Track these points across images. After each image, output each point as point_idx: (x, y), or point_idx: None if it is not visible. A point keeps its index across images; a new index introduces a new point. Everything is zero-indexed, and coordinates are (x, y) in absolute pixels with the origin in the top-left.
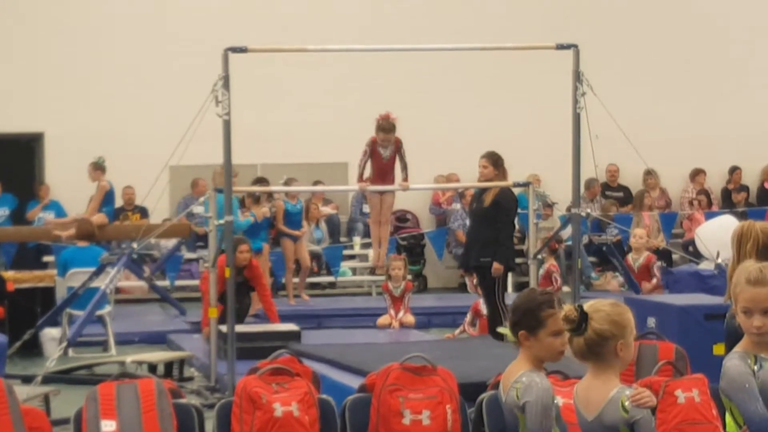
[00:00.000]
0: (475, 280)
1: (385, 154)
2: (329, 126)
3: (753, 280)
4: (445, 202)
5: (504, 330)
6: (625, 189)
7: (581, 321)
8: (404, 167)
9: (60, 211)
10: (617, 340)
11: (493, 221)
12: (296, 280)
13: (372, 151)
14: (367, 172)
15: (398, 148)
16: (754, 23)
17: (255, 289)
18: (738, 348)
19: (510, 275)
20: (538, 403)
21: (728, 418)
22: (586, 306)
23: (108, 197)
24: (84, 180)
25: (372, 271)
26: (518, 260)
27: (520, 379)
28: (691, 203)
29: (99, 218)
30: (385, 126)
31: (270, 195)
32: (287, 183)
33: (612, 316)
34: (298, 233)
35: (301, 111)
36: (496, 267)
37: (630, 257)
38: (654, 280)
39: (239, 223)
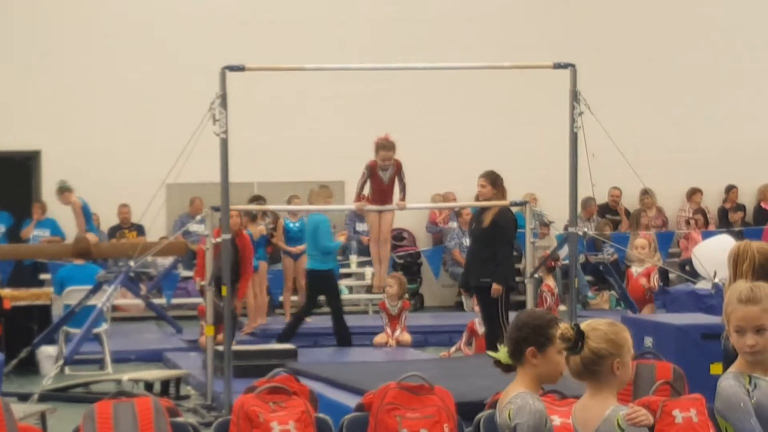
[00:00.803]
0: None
1: (385, 177)
2: (326, 145)
3: (744, 299)
4: (442, 221)
5: (497, 354)
6: (627, 213)
7: (578, 340)
8: (403, 188)
9: (55, 229)
10: (614, 358)
11: (492, 241)
12: (295, 298)
13: (371, 174)
14: (366, 191)
15: (398, 170)
16: (751, 44)
17: (239, 263)
18: (732, 368)
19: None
20: (529, 426)
21: None
22: (583, 325)
23: (85, 213)
24: (81, 197)
25: (368, 289)
26: (517, 279)
27: (514, 399)
28: (687, 222)
29: (90, 238)
30: (386, 144)
31: (265, 213)
32: (289, 201)
33: (609, 335)
34: (296, 250)
35: (298, 130)
36: (495, 288)
37: (632, 269)
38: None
39: None
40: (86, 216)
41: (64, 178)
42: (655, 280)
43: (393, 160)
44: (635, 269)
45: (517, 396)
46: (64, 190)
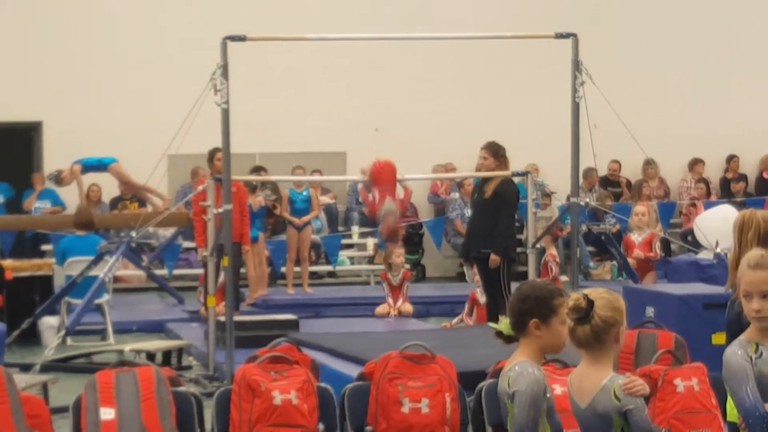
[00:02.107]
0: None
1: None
2: (328, 116)
3: (753, 264)
4: (444, 192)
5: (499, 325)
6: (628, 184)
7: (589, 309)
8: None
9: (56, 200)
10: (619, 326)
11: (493, 212)
12: (297, 269)
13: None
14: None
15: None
16: (754, 14)
17: None
18: (742, 336)
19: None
20: (527, 394)
21: (729, 405)
22: (588, 294)
23: (91, 164)
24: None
25: (370, 260)
26: (518, 250)
27: (513, 368)
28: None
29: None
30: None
31: (264, 184)
32: (294, 172)
33: (613, 303)
34: (298, 221)
35: (299, 100)
36: (493, 258)
37: (632, 236)
38: (653, 252)
39: None
40: (93, 164)
41: (65, 149)
42: (657, 248)
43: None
44: (635, 237)
45: (517, 364)
46: (57, 180)
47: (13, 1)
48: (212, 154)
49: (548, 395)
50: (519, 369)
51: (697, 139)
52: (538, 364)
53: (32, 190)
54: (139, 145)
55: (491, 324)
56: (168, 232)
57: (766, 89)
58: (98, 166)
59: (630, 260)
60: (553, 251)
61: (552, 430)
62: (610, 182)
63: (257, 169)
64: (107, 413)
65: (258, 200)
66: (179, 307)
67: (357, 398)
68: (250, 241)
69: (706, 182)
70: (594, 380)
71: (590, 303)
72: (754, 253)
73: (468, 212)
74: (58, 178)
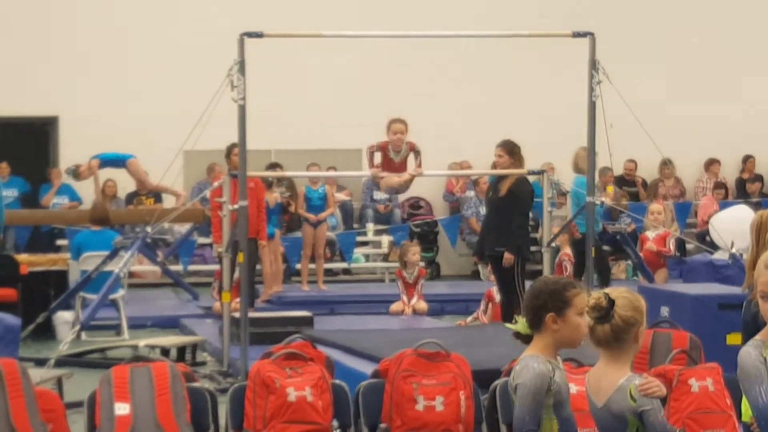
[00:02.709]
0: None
1: (396, 158)
2: (343, 112)
3: None
4: (459, 190)
5: (516, 326)
6: (644, 184)
7: (609, 309)
8: (417, 155)
9: (73, 195)
10: (639, 326)
11: (508, 210)
12: (312, 266)
13: (383, 154)
14: (377, 160)
15: (412, 148)
16: None
17: None
18: (758, 336)
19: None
20: (528, 386)
21: (744, 405)
22: (609, 294)
23: (109, 158)
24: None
25: (385, 257)
26: (533, 248)
27: (520, 362)
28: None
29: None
30: (398, 118)
31: (280, 181)
32: (309, 169)
33: (633, 303)
34: (314, 218)
35: (315, 97)
36: (507, 257)
37: (648, 234)
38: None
39: None
40: (111, 159)
41: (81, 144)
42: (671, 245)
43: (407, 142)
44: (650, 234)
45: (523, 359)
46: (75, 175)
47: None
48: (230, 150)
49: (554, 389)
50: (524, 362)
51: (713, 139)
52: (546, 359)
53: (48, 185)
54: (154, 141)
55: (507, 325)
56: (183, 228)
57: None
58: (116, 161)
59: (641, 254)
60: (567, 250)
61: (559, 424)
62: (626, 182)
63: (273, 166)
64: (122, 408)
65: (274, 197)
66: (194, 303)
67: (371, 395)
68: (267, 237)
69: (725, 186)
70: (611, 380)
71: (611, 302)
72: None
73: (483, 210)
74: (76, 173)
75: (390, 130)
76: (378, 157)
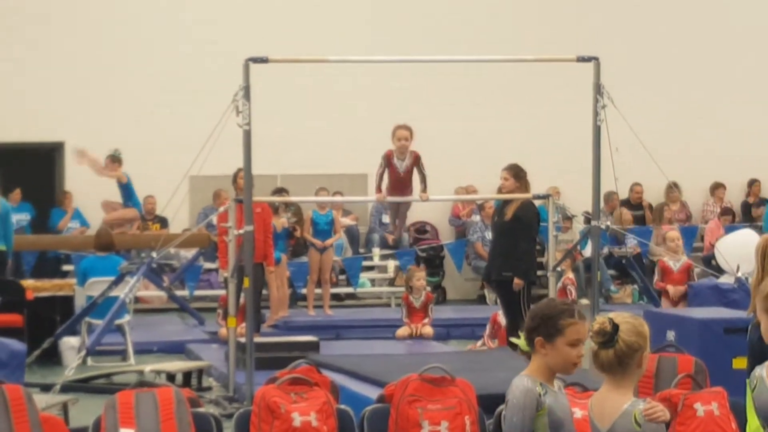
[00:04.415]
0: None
1: (401, 167)
2: (349, 137)
3: None
4: (465, 215)
5: (517, 340)
6: (650, 207)
7: (613, 334)
8: (423, 179)
9: (82, 221)
10: (642, 351)
11: (513, 235)
12: (318, 291)
13: (388, 163)
14: (385, 183)
15: (416, 161)
16: None
17: None
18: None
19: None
20: (515, 404)
21: (749, 430)
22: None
23: (127, 190)
24: (103, 190)
25: (391, 282)
26: (539, 273)
27: (512, 382)
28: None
29: (130, 212)
30: (403, 125)
31: (287, 206)
32: (318, 193)
33: (637, 328)
34: (321, 243)
35: (321, 122)
36: (517, 282)
37: (668, 261)
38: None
39: None
40: (129, 191)
41: (86, 170)
42: (695, 276)
43: (410, 150)
44: (674, 264)
45: (516, 378)
46: (115, 160)
47: (35, 22)
48: (236, 175)
49: (545, 407)
50: (514, 382)
51: (718, 163)
52: (539, 380)
53: (57, 209)
54: (160, 166)
55: (513, 339)
56: (189, 253)
57: None
58: (126, 195)
59: (669, 288)
60: (570, 275)
61: None
62: (632, 205)
63: (279, 191)
64: None
65: (281, 222)
66: (200, 328)
67: (376, 420)
68: (274, 262)
69: (732, 212)
70: (615, 404)
71: (615, 327)
72: None
73: (489, 235)
74: (116, 158)
75: (395, 137)
76: (385, 181)
